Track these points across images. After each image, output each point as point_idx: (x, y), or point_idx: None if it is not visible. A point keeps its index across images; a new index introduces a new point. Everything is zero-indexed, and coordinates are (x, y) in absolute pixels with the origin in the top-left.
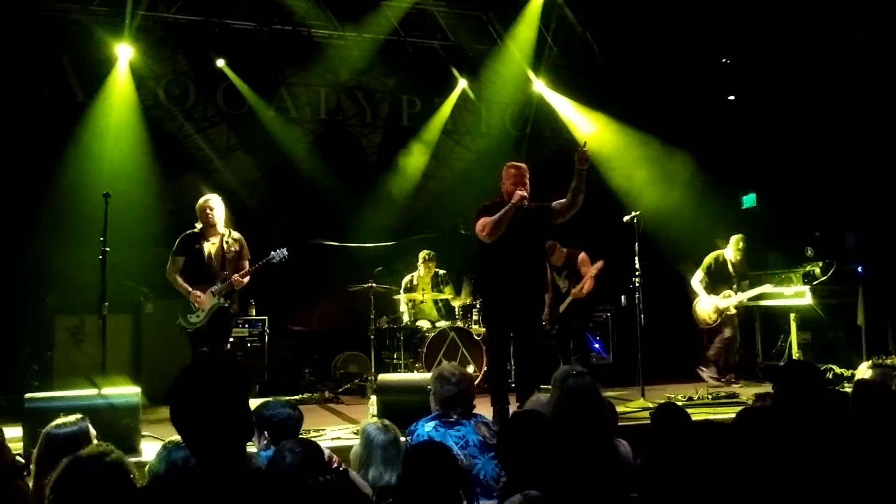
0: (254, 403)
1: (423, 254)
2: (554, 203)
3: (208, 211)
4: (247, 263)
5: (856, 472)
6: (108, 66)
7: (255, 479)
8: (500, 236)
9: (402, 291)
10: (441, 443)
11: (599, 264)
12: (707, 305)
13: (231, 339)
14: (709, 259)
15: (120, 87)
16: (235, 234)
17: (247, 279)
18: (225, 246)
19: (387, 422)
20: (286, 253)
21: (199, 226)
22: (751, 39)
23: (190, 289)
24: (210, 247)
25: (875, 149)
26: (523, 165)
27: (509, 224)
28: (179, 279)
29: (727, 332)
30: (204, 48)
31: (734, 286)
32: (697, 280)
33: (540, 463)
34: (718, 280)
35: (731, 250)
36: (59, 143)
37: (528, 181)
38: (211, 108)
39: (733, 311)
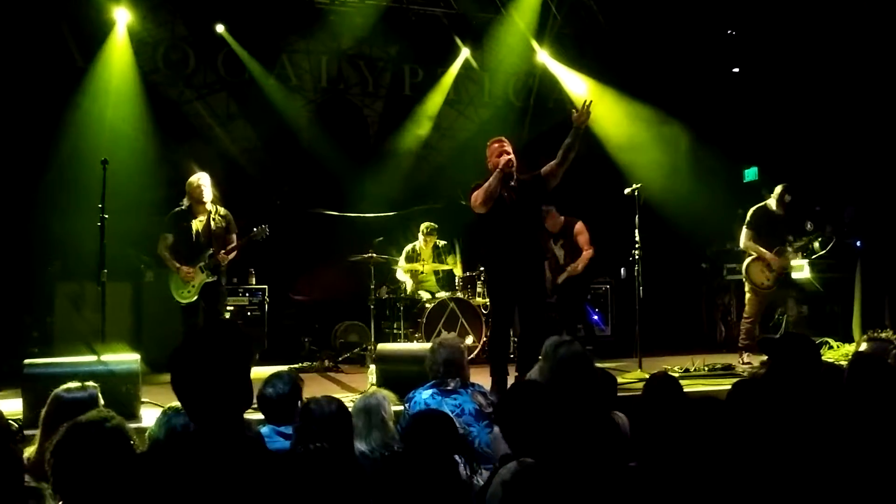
0: (257, 373)
1: (424, 226)
2: (543, 168)
3: (203, 188)
4: (234, 237)
5: (849, 444)
6: (107, 30)
7: (253, 447)
8: (498, 209)
9: (402, 260)
10: (442, 412)
11: (590, 253)
12: (762, 264)
13: (230, 308)
14: (750, 214)
15: (118, 53)
16: (222, 210)
17: (232, 255)
18: (212, 222)
19: (376, 391)
20: (267, 231)
21: (186, 203)
22: (757, 11)
23: (178, 265)
24: (197, 224)
25: (877, 124)
26: (503, 138)
27: (505, 196)
28: (168, 256)
29: (749, 308)
30: (203, 13)
31: (785, 242)
32: (746, 238)
33: (536, 432)
34: (766, 235)
35: (774, 202)
36: (58, 108)
37: (510, 150)
38: (211, 74)
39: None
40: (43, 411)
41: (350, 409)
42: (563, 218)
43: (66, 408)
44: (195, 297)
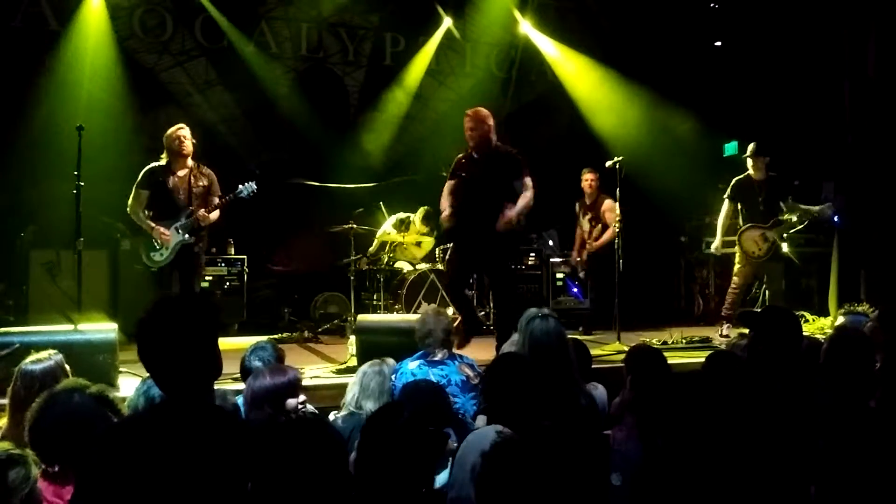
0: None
1: (422, 210)
2: (515, 180)
3: (183, 139)
4: (216, 200)
5: (829, 414)
6: None
7: (225, 416)
8: (463, 179)
9: (389, 226)
10: (435, 383)
11: (609, 235)
12: (757, 233)
13: (208, 278)
14: (731, 186)
15: (94, 17)
16: (205, 169)
17: (214, 215)
18: (192, 179)
19: (388, 360)
20: (255, 187)
21: (164, 158)
22: None
23: (153, 225)
24: (177, 180)
25: (856, 99)
26: (470, 112)
27: (470, 168)
28: (143, 214)
29: (737, 279)
30: None
31: (777, 212)
32: (723, 210)
33: (516, 402)
34: (748, 207)
35: (752, 166)
36: (31, 73)
37: (472, 129)
38: (189, 41)
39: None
40: (9, 389)
41: (364, 370)
42: (598, 187)
43: (36, 379)
44: (167, 261)
